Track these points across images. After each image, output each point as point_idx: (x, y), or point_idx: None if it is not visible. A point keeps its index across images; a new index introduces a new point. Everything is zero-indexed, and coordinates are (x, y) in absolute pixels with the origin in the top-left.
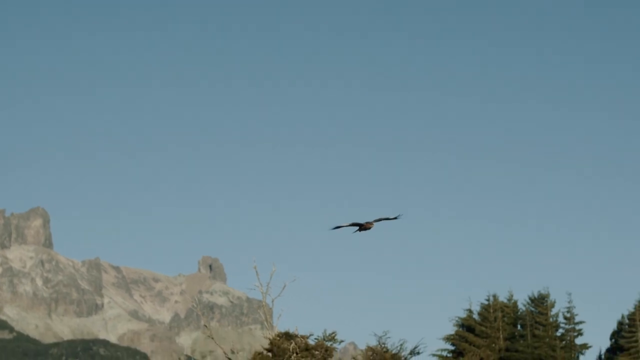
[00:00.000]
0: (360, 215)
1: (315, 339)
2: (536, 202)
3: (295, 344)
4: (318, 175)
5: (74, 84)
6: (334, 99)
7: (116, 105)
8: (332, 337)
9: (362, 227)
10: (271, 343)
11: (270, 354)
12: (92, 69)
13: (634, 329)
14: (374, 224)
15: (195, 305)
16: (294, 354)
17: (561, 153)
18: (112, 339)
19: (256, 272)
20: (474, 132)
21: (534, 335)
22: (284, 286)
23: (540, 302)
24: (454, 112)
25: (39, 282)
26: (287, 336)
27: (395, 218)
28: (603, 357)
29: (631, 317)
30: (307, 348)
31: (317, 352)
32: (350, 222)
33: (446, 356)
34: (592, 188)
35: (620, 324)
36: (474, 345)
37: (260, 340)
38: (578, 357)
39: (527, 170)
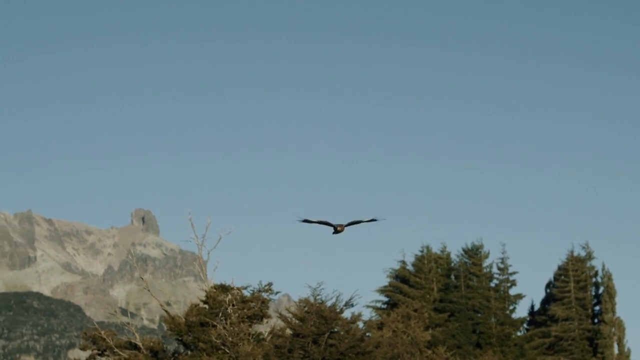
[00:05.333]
0: (297, 155)
1: (251, 291)
2: (470, 149)
3: (232, 295)
4: (254, 126)
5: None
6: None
7: (49, 53)
8: (267, 289)
9: (334, 229)
10: (207, 295)
11: (206, 306)
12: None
13: (566, 279)
14: (345, 228)
15: (130, 257)
16: (230, 306)
17: (489, 98)
18: (46, 291)
19: (191, 224)
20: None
21: (468, 286)
22: (220, 238)
23: (473, 253)
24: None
25: None
26: (223, 288)
27: (372, 221)
28: (536, 307)
29: (564, 267)
30: (244, 300)
31: (253, 304)
32: (321, 220)
33: (380, 307)
34: (525, 134)
35: (555, 274)
36: (408, 297)
37: (194, 292)
38: (512, 307)
39: (459, 115)
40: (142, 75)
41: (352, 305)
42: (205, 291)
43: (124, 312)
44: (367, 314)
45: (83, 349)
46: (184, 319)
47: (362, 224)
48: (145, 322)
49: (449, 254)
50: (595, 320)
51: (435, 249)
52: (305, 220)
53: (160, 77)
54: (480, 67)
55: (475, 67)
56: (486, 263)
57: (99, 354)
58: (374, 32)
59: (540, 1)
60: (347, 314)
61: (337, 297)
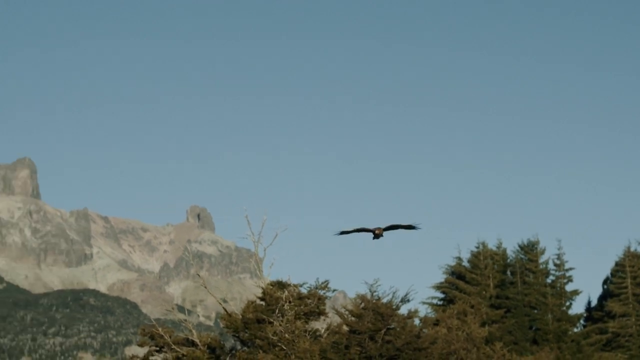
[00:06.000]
0: (352, 158)
1: (308, 287)
2: (526, 150)
3: (288, 292)
4: (313, 125)
5: (64, 34)
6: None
7: (104, 56)
8: (324, 286)
9: (374, 234)
10: (264, 292)
11: (263, 302)
12: (83, 21)
13: (623, 275)
14: (384, 232)
15: (187, 254)
16: (287, 303)
17: (549, 104)
18: (102, 288)
19: (247, 221)
20: (467, 85)
21: (524, 282)
22: (276, 235)
23: (529, 249)
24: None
25: (28, 232)
26: (280, 285)
27: (410, 227)
28: (593, 303)
29: (621, 263)
30: (300, 297)
31: (309, 301)
32: (358, 228)
33: (436, 304)
34: (581, 135)
35: (612, 270)
36: (464, 293)
37: (250, 289)
38: (569, 303)
39: (514, 118)
40: (201, 73)
41: (408, 301)
42: (262, 288)
43: (181, 309)
44: (423, 311)
45: (141, 345)
46: (240, 316)
47: (399, 229)
48: (202, 319)
49: (504, 250)
50: None
51: (491, 245)
52: (343, 232)
53: (219, 74)
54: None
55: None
56: (542, 259)
57: (157, 351)
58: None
59: (541, 1)
60: (403, 310)
61: (394, 293)
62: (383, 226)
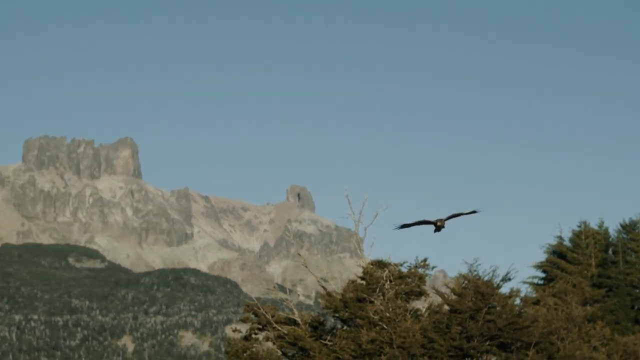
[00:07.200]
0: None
1: (408, 266)
2: (628, 127)
3: (389, 271)
4: (407, 107)
5: (158, 10)
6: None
7: (204, 34)
8: (424, 264)
9: (435, 226)
10: (364, 271)
11: (363, 282)
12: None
13: None
14: (445, 222)
15: (287, 234)
16: (387, 282)
17: None
18: (203, 268)
19: (348, 200)
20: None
21: (626, 262)
22: (376, 214)
23: (632, 228)
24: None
25: (129, 212)
26: (380, 264)
27: (472, 213)
28: None
29: None
30: (400, 276)
31: (409, 280)
32: (418, 220)
33: (537, 283)
34: None
35: None
36: (565, 272)
37: (350, 268)
38: None
39: (615, 94)
40: (308, 53)
41: (509, 280)
42: (362, 267)
43: (281, 288)
44: (523, 290)
45: (244, 320)
46: (340, 295)
47: (462, 216)
48: (302, 298)
49: (606, 230)
50: None
51: (593, 224)
52: (403, 226)
53: (326, 53)
54: None
55: None
56: None
57: (259, 329)
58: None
59: None
60: (504, 289)
61: (494, 272)
62: (444, 217)
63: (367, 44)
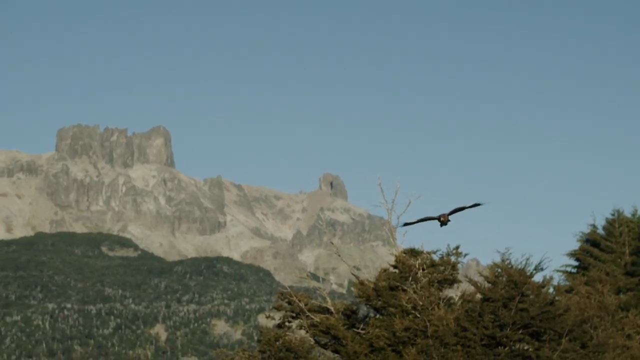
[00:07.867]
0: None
1: (440, 255)
2: None
3: (421, 260)
4: (441, 95)
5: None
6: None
7: (238, 21)
8: (456, 252)
9: (439, 222)
10: (397, 260)
11: (396, 270)
12: None
13: None
14: (449, 216)
15: (320, 222)
16: (420, 270)
17: None
18: (235, 256)
19: (381, 189)
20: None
21: None
22: (409, 203)
23: None
24: None
25: (162, 200)
26: (413, 253)
27: (475, 205)
28: None
29: None
30: (433, 264)
31: (442, 268)
32: (421, 218)
33: (570, 272)
34: None
35: None
36: (599, 260)
37: (383, 257)
38: None
39: None
40: (337, 45)
41: (542, 269)
42: (395, 255)
43: (314, 276)
44: (556, 279)
45: (277, 308)
46: (372, 284)
47: (465, 210)
48: (334, 287)
49: None
50: None
51: (627, 212)
52: (406, 224)
53: (353, 44)
54: None
55: None
56: None
57: (293, 317)
58: None
59: None
60: (537, 278)
61: (527, 260)
62: (447, 212)
63: (407, 34)
